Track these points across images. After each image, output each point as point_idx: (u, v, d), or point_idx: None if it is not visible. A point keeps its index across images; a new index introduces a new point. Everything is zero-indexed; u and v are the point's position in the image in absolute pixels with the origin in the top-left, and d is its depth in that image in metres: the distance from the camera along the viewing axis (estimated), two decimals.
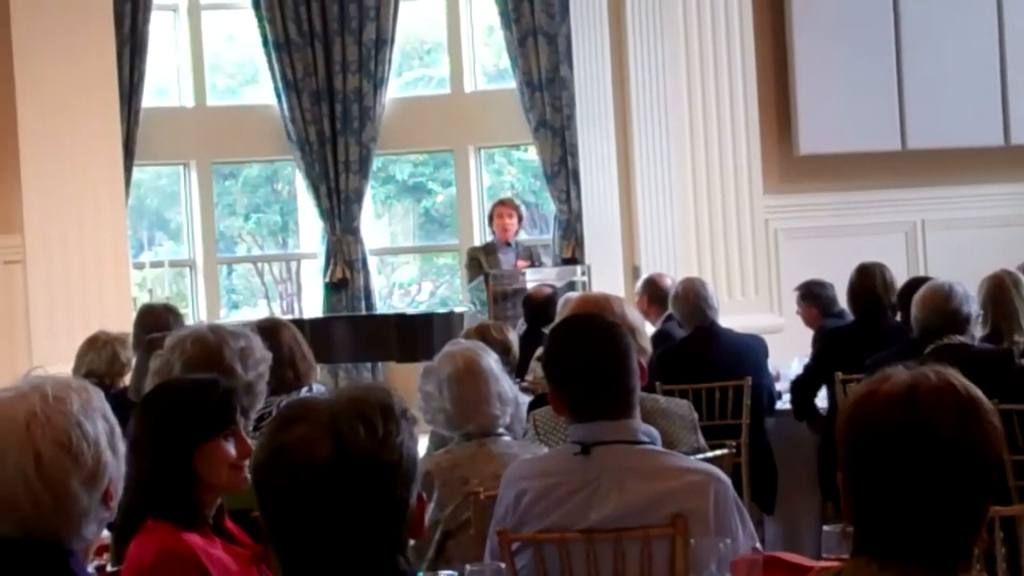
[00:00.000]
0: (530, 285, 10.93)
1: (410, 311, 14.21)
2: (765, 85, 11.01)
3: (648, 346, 4.90)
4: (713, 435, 6.01)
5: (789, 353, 8.84)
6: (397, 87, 14.85)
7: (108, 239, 10.77)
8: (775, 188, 11.06)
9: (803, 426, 7.87)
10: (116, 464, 2.72)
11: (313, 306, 14.91)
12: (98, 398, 2.73)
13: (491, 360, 4.86)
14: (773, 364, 8.18)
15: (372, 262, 14.81)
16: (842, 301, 8.42)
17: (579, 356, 3.87)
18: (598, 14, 11.59)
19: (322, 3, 14.29)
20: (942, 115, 11.04)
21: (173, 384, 3.86)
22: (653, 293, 8.93)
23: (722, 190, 10.82)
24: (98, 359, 7.14)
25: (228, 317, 14.67)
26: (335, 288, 14.58)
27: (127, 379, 6.98)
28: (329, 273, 14.55)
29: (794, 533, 8.06)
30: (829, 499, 7.64)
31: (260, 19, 14.29)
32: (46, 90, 10.48)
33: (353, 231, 14.52)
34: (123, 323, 9.17)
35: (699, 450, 4.73)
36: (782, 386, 8.30)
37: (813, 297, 8.81)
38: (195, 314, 14.28)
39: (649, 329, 7.63)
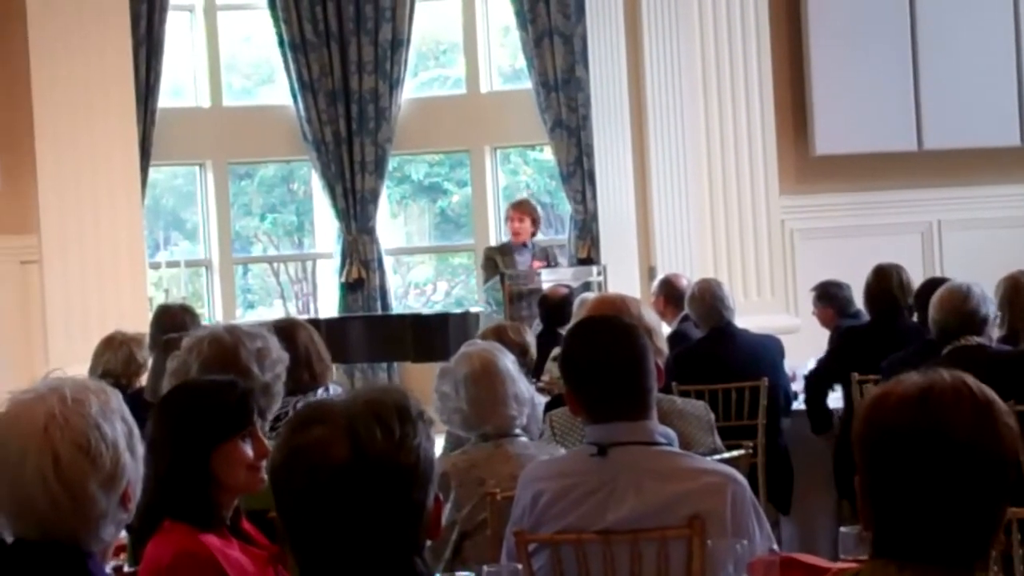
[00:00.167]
0: (546, 285, 10.93)
1: (426, 311, 14.22)
2: (781, 85, 10.99)
3: (664, 347, 4.90)
4: (729, 435, 6.01)
5: (805, 354, 8.82)
6: (413, 87, 14.86)
7: (124, 239, 10.79)
8: (791, 188, 11.05)
9: None
10: (134, 466, 2.73)
11: (329, 306, 14.92)
12: (116, 400, 2.73)
13: (508, 361, 4.85)
14: (789, 364, 8.17)
15: (388, 262, 14.82)
16: (858, 302, 8.41)
17: (596, 357, 3.87)
18: (614, 14, 11.58)
19: (338, 4, 14.30)
20: (958, 115, 11.02)
21: (191, 385, 3.87)
22: (669, 293, 8.94)
23: (738, 190, 10.81)
24: (114, 359, 7.15)
25: (244, 317, 14.69)
26: (351, 288, 14.59)
27: (143, 379, 6.99)
28: (345, 273, 14.56)
29: (810, 533, 8.05)
30: (845, 498, 7.64)
31: (276, 19, 14.31)
32: (63, 90, 10.50)
33: (369, 231, 14.53)
34: (139, 323, 9.19)
35: (716, 451, 4.73)
36: (798, 386, 8.30)
37: (829, 298, 8.80)
38: (211, 314, 14.30)
39: (665, 329, 7.64)
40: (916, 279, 8.25)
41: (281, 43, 14.35)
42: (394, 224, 15.46)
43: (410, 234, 15.84)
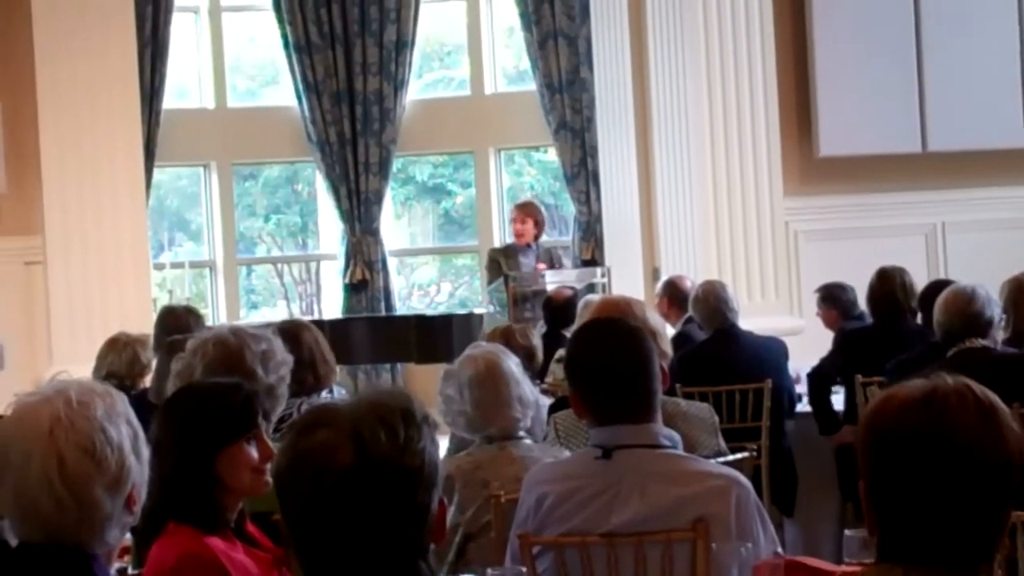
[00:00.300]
0: (550, 287, 10.94)
1: (429, 312, 14.22)
2: (785, 87, 10.99)
3: (669, 349, 4.91)
4: (733, 437, 6.02)
5: (809, 355, 8.81)
6: (417, 89, 14.85)
7: (128, 240, 10.79)
8: (795, 190, 11.05)
9: None
10: (139, 469, 2.73)
11: (332, 307, 14.92)
12: (122, 403, 2.73)
13: (512, 363, 4.85)
14: (793, 366, 8.17)
15: (391, 263, 14.82)
16: (862, 304, 8.41)
17: (601, 360, 3.88)
18: (618, 16, 11.58)
19: (343, 5, 14.30)
20: (963, 117, 11.01)
21: (196, 388, 3.87)
22: (673, 295, 8.95)
23: (742, 192, 10.81)
24: (118, 360, 7.15)
25: (248, 318, 14.69)
26: (355, 289, 14.59)
27: (147, 381, 6.99)
28: (349, 274, 14.56)
29: (814, 535, 8.05)
30: (849, 500, 7.64)
31: (281, 21, 14.32)
32: (67, 91, 10.50)
33: (373, 232, 14.53)
34: (143, 324, 9.20)
35: (720, 453, 4.73)
36: (802, 388, 8.30)
37: (833, 300, 8.80)
38: (215, 315, 14.30)
39: (669, 331, 7.64)
40: (920, 281, 8.26)
41: (286, 44, 14.35)
42: (398, 225, 15.46)
43: (414, 235, 15.84)
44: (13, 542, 2.77)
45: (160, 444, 3.41)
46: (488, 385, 4.74)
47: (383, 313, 14.39)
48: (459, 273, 16.00)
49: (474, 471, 4.62)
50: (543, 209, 12.56)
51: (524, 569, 3.75)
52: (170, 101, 13.96)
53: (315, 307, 15.36)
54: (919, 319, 7.76)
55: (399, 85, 14.36)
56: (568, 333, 8.78)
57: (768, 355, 7.87)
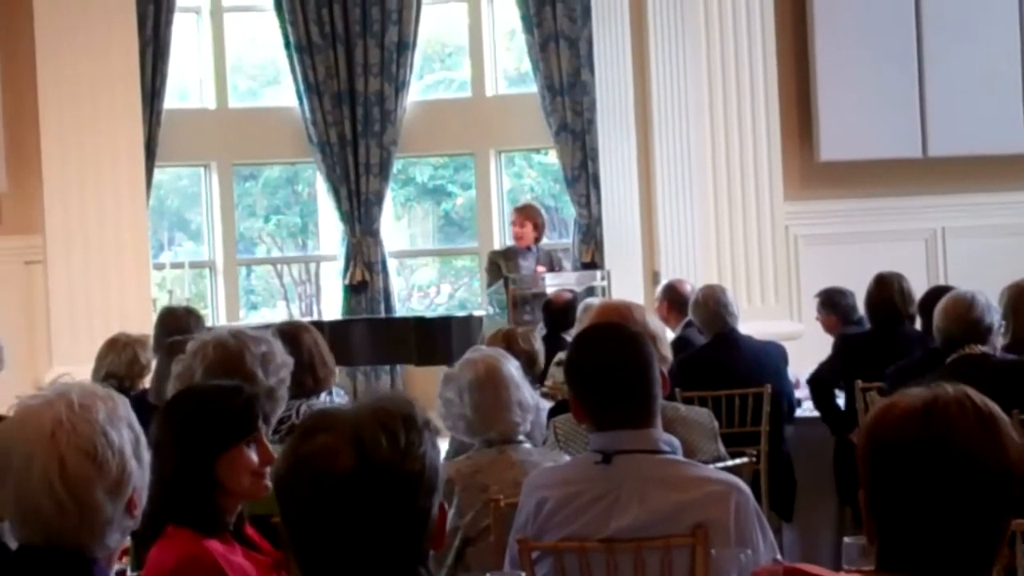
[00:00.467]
0: (550, 290, 10.94)
1: (429, 314, 14.22)
2: (786, 91, 11.00)
3: (669, 354, 4.91)
4: (732, 442, 6.01)
5: (808, 360, 8.81)
6: (418, 90, 14.86)
7: (129, 240, 10.79)
8: (796, 194, 11.05)
9: (821, 433, 7.85)
10: (140, 473, 2.73)
11: (332, 308, 14.92)
12: (124, 407, 2.74)
13: (512, 367, 4.85)
14: (792, 371, 8.17)
15: (391, 264, 14.82)
16: (862, 309, 8.41)
17: (601, 365, 3.88)
18: (620, 19, 11.59)
19: (344, 6, 14.31)
20: (963, 123, 11.02)
21: (196, 390, 3.87)
22: (673, 299, 8.94)
23: (743, 196, 10.81)
24: (118, 361, 7.14)
25: (247, 318, 14.69)
26: (354, 290, 14.59)
27: (147, 381, 6.99)
28: (349, 275, 14.56)
29: (812, 540, 8.05)
30: (847, 506, 7.64)
31: (282, 21, 14.32)
32: (68, 91, 10.50)
33: (373, 233, 14.54)
34: (143, 324, 9.20)
35: (719, 459, 4.73)
36: (801, 393, 8.30)
37: (833, 305, 8.80)
38: (214, 315, 14.30)
39: (669, 335, 7.65)
40: (920, 286, 8.26)
41: (287, 45, 14.36)
42: (398, 226, 15.47)
43: (414, 236, 15.85)
44: (13, 545, 2.77)
45: (160, 447, 3.41)
46: (488, 389, 4.74)
47: (383, 314, 14.40)
48: (459, 275, 16.01)
49: (473, 475, 4.62)
50: (543, 212, 12.55)
51: (523, 574, 3.75)
52: (171, 101, 13.97)
53: (315, 308, 15.37)
54: (919, 325, 7.76)
55: (400, 86, 14.37)
56: (568, 336, 8.82)
57: (768, 360, 7.87)
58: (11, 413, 2.75)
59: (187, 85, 14.75)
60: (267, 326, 5.78)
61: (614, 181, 12.03)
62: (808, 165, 11.16)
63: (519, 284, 11.39)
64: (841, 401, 7.82)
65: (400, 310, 14.87)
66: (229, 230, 14.78)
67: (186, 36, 14.44)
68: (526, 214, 12.12)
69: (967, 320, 6.06)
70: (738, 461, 4.78)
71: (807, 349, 9.15)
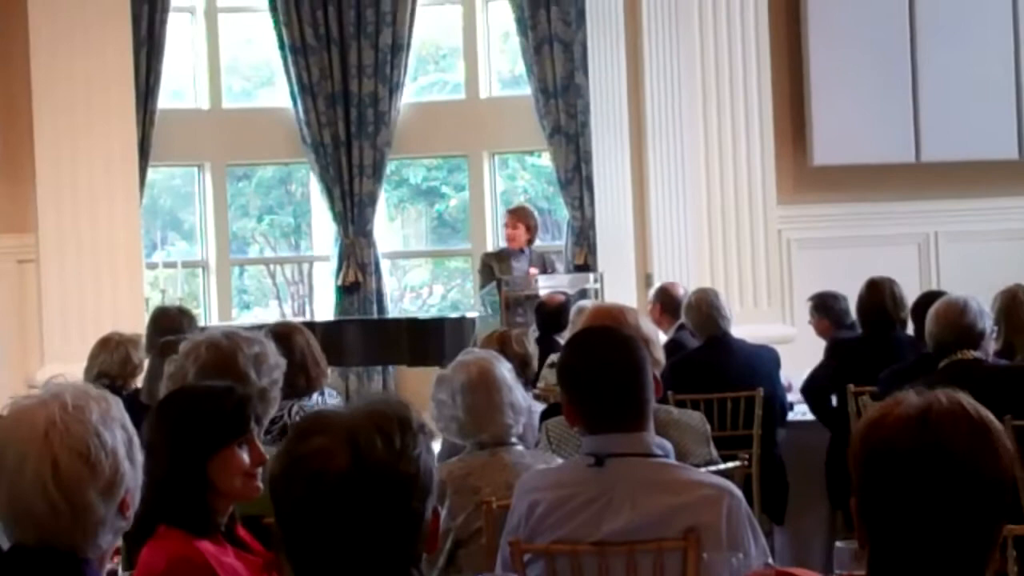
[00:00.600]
0: (542, 292, 10.95)
1: (422, 315, 14.22)
2: (780, 95, 11.00)
3: (662, 357, 4.91)
4: (724, 445, 6.02)
5: (800, 364, 8.82)
6: (412, 92, 14.87)
7: (121, 239, 10.78)
8: (789, 198, 11.06)
9: (814, 437, 7.86)
10: (133, 474, 2.73)
11: (325, 308, 14.92)
12: (117, 408, 2.74)
13: (504, 369, 4.86)
14: (785, 375, 8.17)
15: (384, 265, 14.82)
16: (854, 313, 8.42)
17: (595, 369, 3.88)
18: (614, 22, 11.60)
19: (339, 7, 14.31)
20: (957, 128, 11.03)
21: (188, 391, 3.87)
22: (666, 302, 8.95)
23: (736, 199, 10.82)
24: (110, 360, 7.14)
25: (239, 318, 14.69)
26: (347, 291, 14.60)
27: (139, 381, 6.99)
28: (341, 276, 14.56)
29: (803, 543, 8.06)
30: (839, 509, 7.64)
31: (277, 22, 14.32)
32: (62, 90, 10.49)
33: (366, 234, 14.54)
34: (135, 323, 9.20)
35: (711, 462, 4.73)
36: (793, 397, 8.30)
37: (826, 309, 8.80)
38: (207, 315, 14.30)
39: (661, 338, 7.65)
40: (913, 291, 8.27)
41: (281, 46, 14.36)
42: (391, 227, 15.47)
43: (407, 237, 15.86)
44: (4, 545, 2.77)
45: (152, 447, 3.40)
46: (480, 391, 4.74)
47: (375, 315, 14.40)
48: (451, 276, 16.01)
49: (465, 477, 4.62)
50: (536, 214, 12.56)
51: None
52: (165, 101, 13.96)
53: (307, 308, 15.37)
54: (911, 330, 7.77)
55: (394, 88, 14.37)
56: (561, 338, 8.83)
57: (760, 363, 7.87)
58: (4, 413, 2.75)
59: (181, 85, 14.75)
60: (260, 326, 5.79)
61: (607, 184, 12.04)
62: (801, 169, 11.17)
63: (512, 286, 11.40)
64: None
65: (392, 311, 14.87)
66: (222, 230, 14.78)
67: (180, 36, 14.44)
68: (518, 216, 12.13)
69: (960, 325, 6.07)
70: (730, 465, 4.79)
71: (799, 353, 9.15)
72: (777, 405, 7.89)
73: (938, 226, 11.37)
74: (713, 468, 4.49)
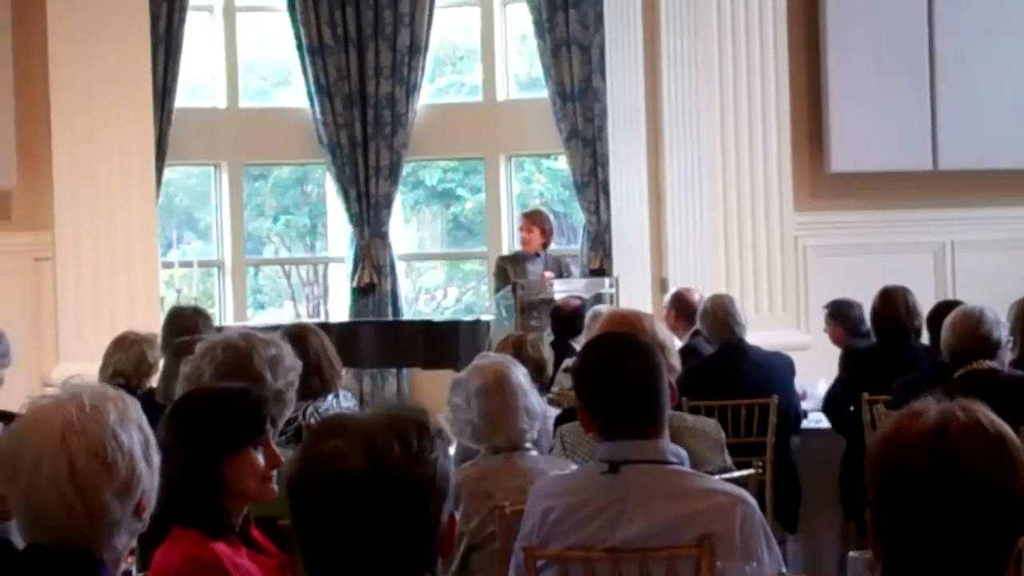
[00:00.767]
0: (557, 296, 10.94)
1: (437, 318, 14.22)
2: (798, 101, 10.99)
3: (677, 364, 4.91)
4: (738, 452, 6.00)
5: (815, 371, 8.82)
6: (429, 93, 14.86)
7: (138, 238, 10.78)
8: (805, 205, 11.04)
9: (827, 445, 7.86)
10: (150, 475, 2.73)
11: (339, 309, 14.93)
12: (134, 409, 2.74)
13: (520, 374, 4.86)
14: (799, 382, 8.17)
15: (400, 267, 14.83)
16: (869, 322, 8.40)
17: (611, 375, 3.88)
18: (632, 26, 11.58)
19: (357, 8, 14.32)
20: (974, 136, 11.00)
21: (204, 392, 3.87)
22: (681, 308, 8.94)
23: (752, 205, 10.80)
24: (125, 359, 7.13)
25: (254, 318, 14.72)
26: (362, 292, 14.60)
27: (154, 380, 6.99)
28: (357, 277, 14.57)
29: (816, 552, 8.05)
30: (852, 518, 7.63)
31: (295, 22, 14.33)
32: (80, 88, 10.50)
33: (382, 235, 14.54)
34: (150, 322, 9.20)
35: (725, 470, 4.73)
36: (808, 404, 8.29)
37: (841, 317, 8.79)
38: (221, 314, 14.31)
39: (676, 344, 7.64)
40: (928, 299, 8.25)
41: (299, 46, 14.37)
42: (407, 229, 15.48)
43: (422, 239, 15.86)
44: (20, 544, 2.77)
45: (167, 448, 3.40)
46: (496, 395, 4.75)
47: (390, 317, 14.41)
48: (467, 278, 16.01)
49: (479, 481, 4.62)
50: (551, 218, 12.55)
51: None
52: (182, 100, 13.97)
53: (322, 309, 15.38)
54: (926, 339, 7.76)
55: (411, 89, 14.37)
56: (576, 343, 8.83)
57: (775, 371, 7.87)
58: (22, 413, 2.76)
59: (198, 84, 14.77)
60: (275, 327, 5.80)
61: (624, 188, 12.03)
62: (818, 176, 11.15)
63: (527, 289, 11.39)
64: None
65: (407, 312, 14.87)
66: (238, 229, 14.80)
67: (198, 35, 14.46)
68: (533, 220, 12.13)
69: (975, 335, 6.07)
70: (744, 473, 4.78)
71: (814, 360, 9.14)
72: (791, 413, 7.89)
73: (954, 235, 11.35)
74: (727, 476, 4.49)
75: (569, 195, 14.78)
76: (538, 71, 14.49)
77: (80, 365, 8.02)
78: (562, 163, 14.63)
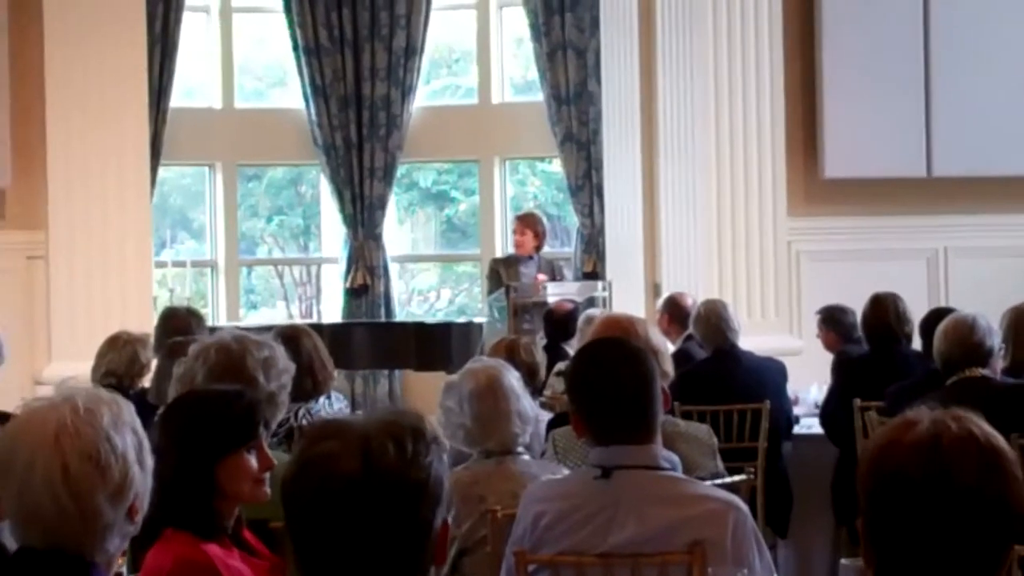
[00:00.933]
0: (551, 299, 10.94)
1: (429, 320, 14.22)
2: (792, 107, 10.99)
3: (670, 369, 4.91)
4: (730, 458, 6.01)
5: (807, 376, 8.82)
6: (424, 95, 14.87)
7: (131, 237, 10.77)
8: (799, 210, 11.04)
9: (818, 451, 7.86)
10: (143, 479, 2.73)
11: (332, 310, 14.93)
12: (129, 412, 2.74)
13: (512, 378, 4.86)
14: (792, 388, 8.17)
15: (393, 268, 14.82)
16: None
17: (604, 380, 3.88)
18: (628, 31, 11.59)
19: (353, 10, 14.32)
20: (969, 143, 11.00)
21: (197, 395, 3.87)
22: (674, 312, 8.95)
23: (746, 210, 10.80)
24: (118, 359, 7.13)
25: (247, 318, 14.71)
26: (355, 293, 14.60)
27: (146, 380, 6.99)
28: (350, 279, 14.57)
29: (807, 557, 8.06)
30: (843, 524, 7.64)
31: (291, 23, 14.33)
32: (76, 87, 10.50)
33: (375, 237, 14.54)
34: (143, 321, 9.21)
35: (717, 475, 4.73)
36: (800, 410, 8.30)
37: (834, 322, 8.79)
38: (214, 314, 14.31)
39: (669, 348, 7.64)
40: (921, 306, 8.25)
41: (295, 47, 14.37)
42: (400, 231, 15.48)
43: (416, 241, 15.86)
44: (11, 546, 2.77)
45: (160, 450, 3.39)
46: (488, 399, 4.75)
47: (383, 318, 14.40)
48: (460, 280, 16.01)
49: (471, 485, 4.62)
50: (544, 221, 12.53)
51: None
52: (178, 100, 13.97)
53: (314, 309, 15.38)
54: (918, 345, 7.76)
55: (407, 91, 14.37)
56: (568, 346, 8.83)
57: (767, 376, 7.87)
58: (16, 414, 2.76)
59: (194, 84, 14.76)
60: (268, 327, 5.80)
61: (618, 192, 12.04)
62: (812, 181, 11.15)
63: (520, 292, 11.39)
64: None
65: (400, 314, 14.87)
66: (231, 230, 14.80)
67: (194, 35, 14.46)
68: (527, 222, 12.12)
69: (968, 343, 6.07)
70: (736, 478, 4.78)
71: (807, 366, 9.15)
72: (783, 418, 7.89)
73: (947, 241, 11.35)
74: (719, 482, 4.49)
75: (563, 198, 14.78)
76: (533, 74, 14.50)
77: (72, 364, 8.02)
78: (556, 166, 14.64)
